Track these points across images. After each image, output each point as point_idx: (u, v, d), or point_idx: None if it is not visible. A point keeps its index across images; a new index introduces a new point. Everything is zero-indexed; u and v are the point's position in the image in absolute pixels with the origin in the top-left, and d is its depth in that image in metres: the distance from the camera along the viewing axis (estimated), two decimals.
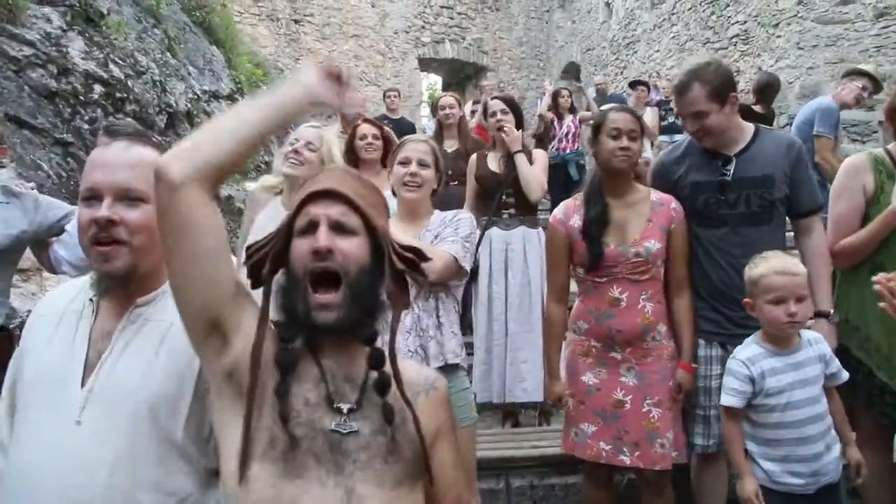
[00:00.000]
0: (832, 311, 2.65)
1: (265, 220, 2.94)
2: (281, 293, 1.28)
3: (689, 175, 2.71)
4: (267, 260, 1.29)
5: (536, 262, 4.05)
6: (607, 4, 15.54)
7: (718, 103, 2.58)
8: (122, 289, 1.41)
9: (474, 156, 4.32)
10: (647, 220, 2.66)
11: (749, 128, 2.72)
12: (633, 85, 9.49)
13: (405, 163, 2.64)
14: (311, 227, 1.26)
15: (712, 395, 2.63)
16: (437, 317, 2.56)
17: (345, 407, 1.25)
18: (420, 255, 1.36)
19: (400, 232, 2.61)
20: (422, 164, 2.63)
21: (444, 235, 2.57)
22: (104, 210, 1.36)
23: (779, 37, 9.52)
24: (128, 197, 1.38)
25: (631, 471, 2.88)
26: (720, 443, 2.64)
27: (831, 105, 5.14)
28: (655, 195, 2.72)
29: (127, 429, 1.33)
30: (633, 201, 2.71)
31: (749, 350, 2.39)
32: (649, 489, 2.72)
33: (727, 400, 2.36)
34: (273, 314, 1.29)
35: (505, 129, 3.94)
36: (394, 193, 2.71)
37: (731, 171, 2.63)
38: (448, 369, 2.50)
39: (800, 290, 2.28)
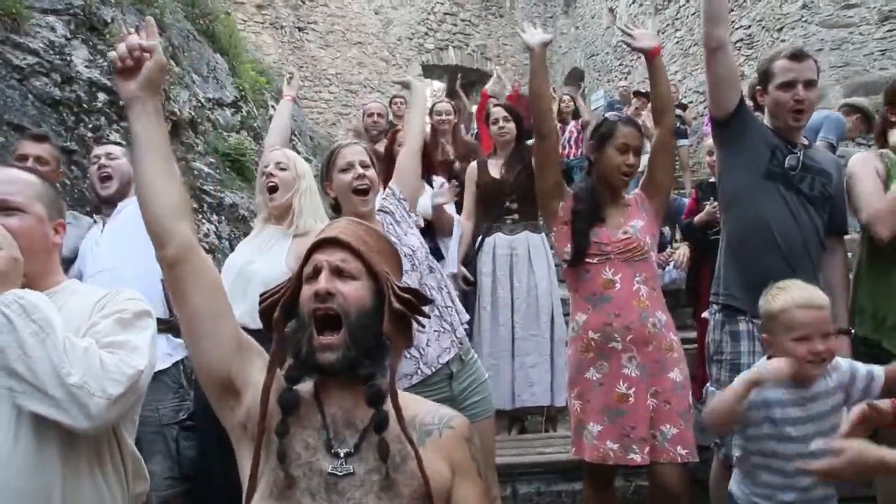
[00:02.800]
0: (851, 329, 2.66)
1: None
2: (291, 338, 1.36)
3: (770, 138, 2.67)
4: (277, 305, 1.39)
5: (542, 267, 4.04)
6: (611, 10, 15.55)
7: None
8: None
9: (474, 163, 4.31)
10: (625, 207, 2.75)
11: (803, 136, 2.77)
12: (637, 95, 9.45)
13: (349, 168, 2.56)
14: (316, 273, 1.36)
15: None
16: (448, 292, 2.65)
17: (342, 451, 1.31)
18: (419, 297, 1.42)
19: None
20: (364, 165, 2.57)
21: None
22: None
23: (783, 41, 9.50)
24: (4, 208, 1.51)
25: (642, 475, 2.81)
26: None
27: (841, 118, 5.09)
28: (630, 196, 2.82)
29: (25, 432, 1.39)
30: (619, 204, 2.77)
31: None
32: (662, 491, 2.57)
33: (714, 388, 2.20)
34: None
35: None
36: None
37: (802, 155, 2.64)
38: (467, 363, 2.55)
39: (826, 326, 2.03)
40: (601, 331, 2.63)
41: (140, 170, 1.44)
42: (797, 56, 2.62)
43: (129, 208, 2.99)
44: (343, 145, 2.69)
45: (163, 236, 1.41)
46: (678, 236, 5.50)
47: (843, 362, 2.17)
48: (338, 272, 1.36)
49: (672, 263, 4.73)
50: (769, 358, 2.14)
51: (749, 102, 2.78)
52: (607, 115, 2.81)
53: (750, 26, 10.31)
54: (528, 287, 4.02)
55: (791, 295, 2.07)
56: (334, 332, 1.32)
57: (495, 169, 4.07)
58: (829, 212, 2.67)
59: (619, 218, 2.72)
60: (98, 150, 3.10)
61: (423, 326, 2.30)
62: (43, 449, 1.39)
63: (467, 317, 2.73)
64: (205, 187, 5.33)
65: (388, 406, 1.33)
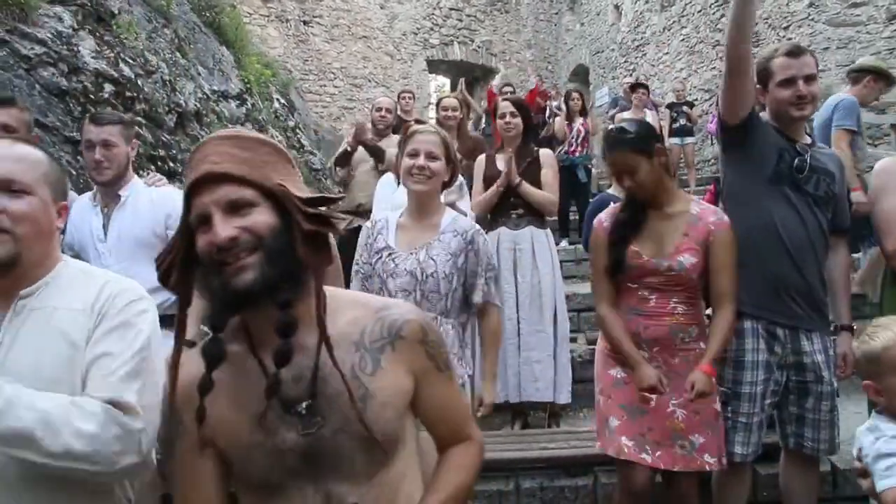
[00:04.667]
0: (853, 325, 2.68)
1: None
2: (202, 286, 1.22)
3: (773, 142, 2.66)
4: (174, 267, 1.24)
5: (546, 262, 4.04)
6: (616, 7, 15.52)
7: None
8: (3, 277, 1.41)
9: (482, 156, 4.30)
10: (683, 234, 2.55)
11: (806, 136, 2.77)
12: (634, 88, 9.36)
13: (414, 154, 2.60)
14: (206, 220, 1.17)
15: (756, 402, 2.57)
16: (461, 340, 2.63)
17: (302, 407, 1.22)
18: (328, 202, 1.26)
19: (410, 234, 2.63)
20: (431, 156, 2.59)
21: (469, 269, 2.61)
22: None
23: (790, 39, 9.47)
24: (10, 189, 1.42)
25: (658, 474, 2.78)
26: (756, 451, 2.61)
27: (848, 98, 4.83)
28: (696, 207, 2.60)
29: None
30: (671, 213, 2.59)
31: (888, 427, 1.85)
32: (677, 497, 2.62)
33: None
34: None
35: (510, 169, 3.94)
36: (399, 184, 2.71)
37: (809, 156, 2.63)
38: None
39: None
40: (633, 331, 2.60)
41: None
42: (795, 52, 2.62)
43: (132, 199, 2.94)
44: (419, 130, 2.69)
45: None
46: None
47: None
48: (231, 208, 1.17)
49: None
50: (879, 412, 1.90)
51: None
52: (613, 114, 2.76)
53: (756, 24, 10.26)
54: (532, 283, 4.02)
55: (893, 331, 1.86)
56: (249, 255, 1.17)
57: (502, 163, 4.07)
58: (833, 210, 2.67)
59: (670, 242, 2.55)
60: (93, 133, 2.84)
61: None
62: (42, 481, 1.35)
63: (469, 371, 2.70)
64: None
65: (325, 351, 1.21)
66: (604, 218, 2.70)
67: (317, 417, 1.21)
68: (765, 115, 2.75)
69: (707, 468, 2.54)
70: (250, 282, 1.15)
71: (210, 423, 1.22)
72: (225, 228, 1.15)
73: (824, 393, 2.59)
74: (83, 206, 2.98)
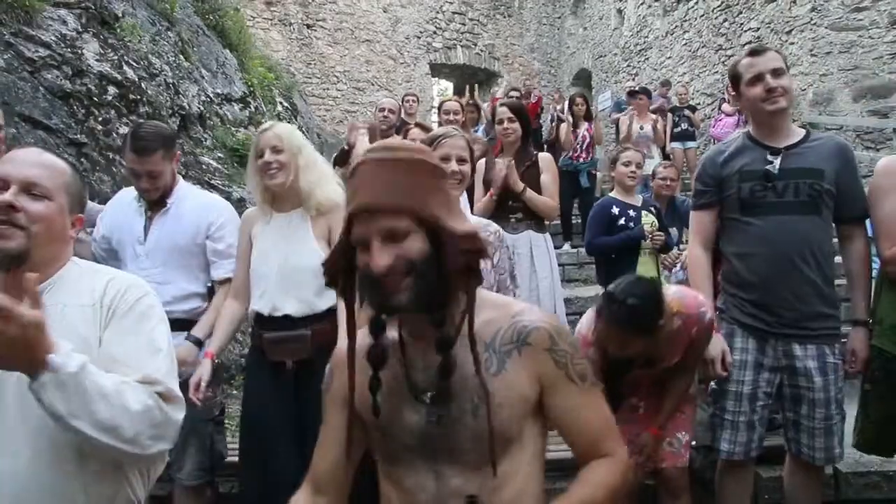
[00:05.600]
0: (869, 320, 2.62)
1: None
2: (362, 294, 1.30)
3: (736, 164, 2.66)
4: (338, 275, 1.33)
5: (545, 267, 4.02)
6: (619, 11, 15.55)
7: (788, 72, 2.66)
8: (12, 270, 1.46)
9: (482, 160, 4.30)
10: (665, 351, 2.51)
11: (801, 130, 2.73)
12: (632, 94, 9.27)
13: (446, 159, 2.53)
14: (365, 244, 1.25)
15: (742, 402, 2.59)
16: None
17: (427, 396, 1.30)
18: (478, 242, 1.30)
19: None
20: (461, 160, 2.57)
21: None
22: (7, 195, 1.49)
23: (792, 44, 9.48)
24: (31, 191, 1.52)
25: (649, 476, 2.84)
26: (747, 450, 2.62)
27: None
28: (678, 322, 2.47)
29: (38, 411, 1.37)
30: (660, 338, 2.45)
31: None
32: (667, 490, 2.69)
33: None
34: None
35: (509, 179, 3.89)
36: None
37: (779, 162, 2.59)
38: None
39: None
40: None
41: None
42: (758, 51, 2.67)
43: (176, 205, 2.89)
44: (449, 135, 2.65)
45: None
46: (685, 238, 5.50)
47: None
48: (388, 237, 1.23)
49: (679, 265, 4.73)
50: None
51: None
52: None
53: (759, 29, 10.28)
54: (531, 287, 3.99)
55: None
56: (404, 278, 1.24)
57: (502, 163, 4.07)
58: (838, 201, 2.60)
59: (660, 358, 2.52)
60: (137, 164, 2.80)
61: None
62: (63, 464, 1.42)
63: None
64: (213, 182, 5.36)
65: (459, 349, 1.27)
66: (586, 335, 2.54)
67: (439, 406, 1.29)
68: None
69: (687, 462, 2.66)
70: (404, 302, 1.24)
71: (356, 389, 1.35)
72: (382, 257, 1.22)
73: (817, 400, 2.53)
74: (126, 204, 2.96)
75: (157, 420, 1.40)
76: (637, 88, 9.85)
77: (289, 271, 2.72)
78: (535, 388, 1.31)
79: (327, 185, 2.82)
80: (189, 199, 2.94)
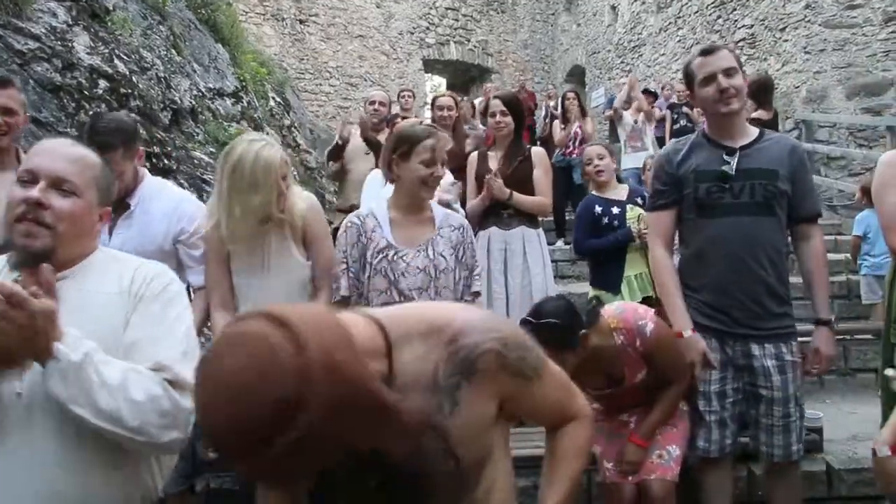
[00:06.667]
0: (832, 318, 2.64)
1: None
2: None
3: (692, 164, 2.66)
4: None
5: (538, 262, 4.00)
6: (613, 8, 15.54)
7: (742, 72, 2.62)
8: (32, 267, 1.44)
9: (474, 154, 4.28)
10: (623, 367, 2.63)
11: (755, 129, 2.72)
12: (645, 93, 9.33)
13: (431, 163, 2.60)
14: None
15: (712, 400, 2.62)
16: None
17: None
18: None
19: (407, 230, 2.63)
20: (445, 162, 2.64)
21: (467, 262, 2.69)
22: (36, 192, 1.46)
23: (786, 41, 9.49)
24: (60, 187, 1.49)
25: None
26: (722, 448, 2.64)
27: None
28: (619, 338, 2.59)
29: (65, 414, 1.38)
30: (602, 354, 2.58)
31: None
32: (650, 500, 2.66)
33: None
34: None
35: (492, 186, 3.86)
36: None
37: (735, 162, 2.58)
38: None
39: None
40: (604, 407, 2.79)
41: None
42: (709, 51, 2.64)
43: (141, 208, 2.73)
44: (432, 135, 2.63)
45: None
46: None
47: None
48: None
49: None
50: None
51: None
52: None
53: (752, 25, 10.29)
54: (523, 283, 3.98)
55: None
56: None
57: (494, 161, 4.05)
58: (792, 201, 2.61)
59: (618, 375, 2.63)
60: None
61: None
62: (86, 454, 1.40)
63: None
64: (204, 177, 5.31)
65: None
66: None
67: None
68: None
69: (676, 476, 2.65)
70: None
71: None
72: None
73: (775, 399, 2.55)
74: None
75: (165, 408, 1.38)
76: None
77: (275, 286, 2.66)
78: (494, 403, 1.23)
79: (298, 200, 2.74)
80: (156, 200, 2.75)
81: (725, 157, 2.59)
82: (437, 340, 1.19)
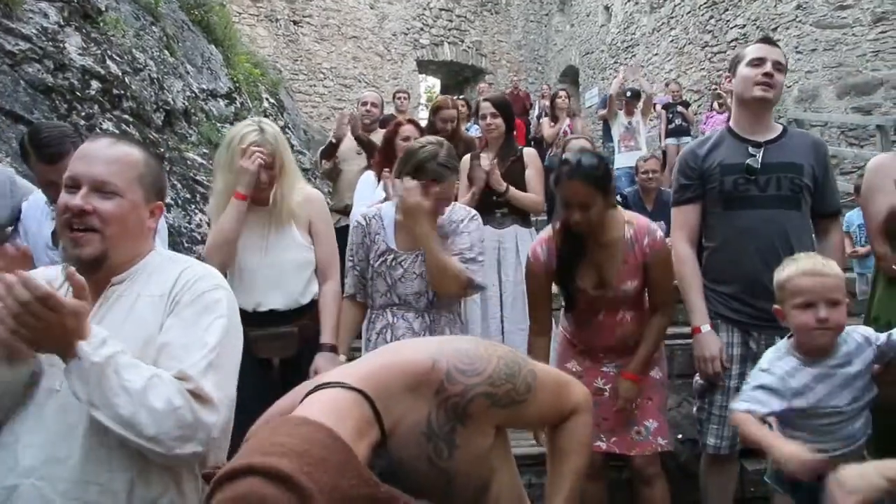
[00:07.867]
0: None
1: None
2: None
3: (717, 158, 2.68)
4: None
5: None
6: (606, 8, 15.57)
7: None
8: (91, 274, 1.46)
9: (467, 156, 4.29)
10: (622, 262, 2.59)
11: (778, 125, 2.77)
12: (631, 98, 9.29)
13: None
14: None
15: (730, 396, 2.59)
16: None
17: None
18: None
19: (408, 233, 2.64)
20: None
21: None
22: (78, 199, 1.47)
23: (778, 41, 9.51)
24: (102, 190, 1.49)
25: (623, 463, 2.87)
26: (732, 444, 2.64)
27: None
28: (629, 231, 2.60)
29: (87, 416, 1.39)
30: (608, 241, 2.60)
31: (783, 363, 2.12)
32: (640, 478, 2.72)
33: (743, 406, 2.07)
34: None
35: (491, 179, 3.90)
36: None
37: (761, 156, 2.61)
38: None
39: (831, 293, 2.00)
40: (584, 341, 2.76)
41: None
42: (770, 41, 2.72)
43: None
44: (445, 178, 2.62)
45: None
46: None
47: (860, 332, 2.13)
48: None
49: None
50: (790, 338, 2.16)
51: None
52: (568, 157, 2.56)
53: (745, 25, 10.33)
54: (515, 281, 4.01)
55: (798, 264, 2.09)
56: None
57: (486, 163, 4.07)
58: (815, 196, 2.65)
59: (611, 271, 2.58)
60: (52, 174, 2.55)
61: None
62: (113, 450, 1.40)
63: None
64: (198, 177, 5.32)
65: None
66: (539, 251, 2.67)
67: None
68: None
69: (660, 450, 2.65)
70: None
71: None
72: None
73: None
74: (40, 212, 2.82)
75: (186, 421, 1.35)
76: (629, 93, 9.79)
77: (273, 265, 2.71)
78: (491, 431, 1.26)
79: (297, 191, 2.81)
80: None
81: (751, 150, 2.63)
82: (425, 391, 1.21)
